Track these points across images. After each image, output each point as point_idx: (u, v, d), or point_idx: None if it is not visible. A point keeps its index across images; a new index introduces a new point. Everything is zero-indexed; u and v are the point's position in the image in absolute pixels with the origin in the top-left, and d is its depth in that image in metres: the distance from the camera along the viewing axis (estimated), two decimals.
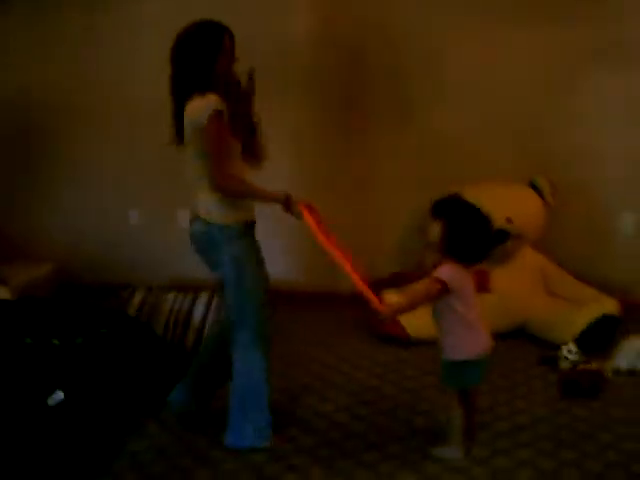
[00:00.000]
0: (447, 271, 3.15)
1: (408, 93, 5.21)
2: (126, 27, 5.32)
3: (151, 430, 3.61)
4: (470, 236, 3.15)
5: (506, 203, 4.70)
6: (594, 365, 4.14)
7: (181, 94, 3.20)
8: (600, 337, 4.49)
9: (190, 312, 4.47)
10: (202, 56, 3.14)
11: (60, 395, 3.51)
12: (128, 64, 5.35)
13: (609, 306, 4.58)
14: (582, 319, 4.49)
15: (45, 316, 4.10)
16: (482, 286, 4.41)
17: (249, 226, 3.32)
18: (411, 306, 3.24)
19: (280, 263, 5.27)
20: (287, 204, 3.20)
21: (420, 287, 3.23)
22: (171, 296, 4.69)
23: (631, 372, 4.21)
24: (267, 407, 3.34)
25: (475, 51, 5.08)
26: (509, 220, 4.66)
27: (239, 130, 3.23)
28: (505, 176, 4.95)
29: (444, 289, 3.13)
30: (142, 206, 5.59)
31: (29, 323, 3.95)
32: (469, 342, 3.23)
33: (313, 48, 5.22)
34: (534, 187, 4.91)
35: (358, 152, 5.32)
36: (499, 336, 4.28)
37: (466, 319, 3.20)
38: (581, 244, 5.13)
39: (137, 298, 4.69)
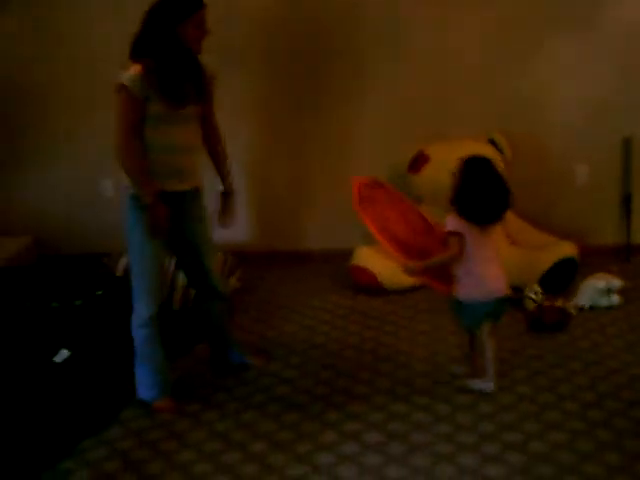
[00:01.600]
0: (454, 222, 3.45)
1: (372, 61, 5.42)
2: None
3: None
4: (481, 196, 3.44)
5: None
6: (558, 302, 4.46)
7: (132, 53, 3.36)
8: (561, 278, 4.81)
9: (174, 273, 4.64)
10: (163, 20, 3.28)
11: (65, 353, 3.72)
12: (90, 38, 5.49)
13: (568, 250, 4.91)
14: (544, 262, 4.80)
15: (41, 282, 4.29)
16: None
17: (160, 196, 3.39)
18: (441, 263, 3.55)
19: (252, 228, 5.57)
20: (149, 209, 3.33)
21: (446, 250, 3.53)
22: None
23: (592, 308, 4.55)
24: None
25: (434, 20, 5.32)
26: None
27: (178, 98, 3.36)
28: (466, 132, 5.22)
29: (462, 237, 3.43)
30: (114, 175, 5.67)
31: (26, 288, 4.14)
32: (474, 286, 3.55)
33: (280, 20, 5.41)
34: (493, 143, 5.20)
35: (327, 119, 5.51)
36: None
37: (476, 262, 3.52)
38: (538, 195, 5.41)
39: (122, 263, 4.86)
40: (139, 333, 3.56)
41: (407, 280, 4.95)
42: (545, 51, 5.29)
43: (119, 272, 4.79)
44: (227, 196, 3.79)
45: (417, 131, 5.31)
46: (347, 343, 4.28)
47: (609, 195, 5.46)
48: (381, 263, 4.92)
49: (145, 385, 3.63)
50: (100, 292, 4.13)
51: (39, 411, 3.40)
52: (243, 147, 5.43)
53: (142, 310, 3.52)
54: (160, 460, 3.18)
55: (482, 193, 3.45)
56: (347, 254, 5.13)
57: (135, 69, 3.27)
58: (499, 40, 5.31)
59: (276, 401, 3.64)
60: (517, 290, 4.67)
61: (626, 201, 5.40)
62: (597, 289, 4.59)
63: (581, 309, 4.53)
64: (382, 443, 3.22)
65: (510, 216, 5.28)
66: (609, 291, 4.59)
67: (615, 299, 4.58)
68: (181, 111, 3.38)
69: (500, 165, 5.11)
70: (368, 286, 4.99)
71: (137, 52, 3.35)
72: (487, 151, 5.13)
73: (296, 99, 5.55)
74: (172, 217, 3.43)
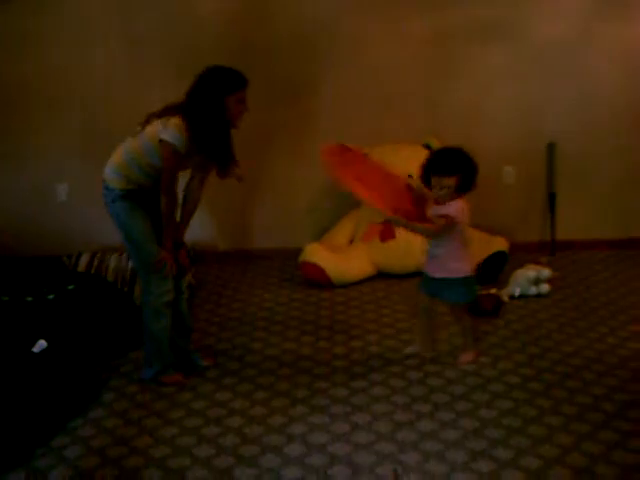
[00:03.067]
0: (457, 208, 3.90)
1: (314, 65, 5.80)
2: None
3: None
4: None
5: (406, 162, 5.38)
6: (492, 291, 4.88)
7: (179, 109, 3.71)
8: (493, 270, 5.24)
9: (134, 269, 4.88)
10: (214, 88, 3.65)
11: (43, 343, 3.94)
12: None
13: (499, 244, 5.35)
14: (478, 256, 5.21)
15: (10, 278, 4.50)
16: (389, 234, 4.90)
17: (131, 192, 3.79)
18: (423, 233, 3.96)
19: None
20: (159, 258, 3.78)
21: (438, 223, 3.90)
22: (115, 257, 5.12)
23: (523, 297, 4.98)
24: None
25: (379, 33, 5.74)
26: (410, 176, 5.33)
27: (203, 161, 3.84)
28: (404, 134, 5.66)
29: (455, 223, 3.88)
30: (69, 180, 5.88)
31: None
32: (470, 261, 4.04)
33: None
34: (428, 147, 5.60)
35: (273, 119, 5.81)
36: (405, 276, 5.22)
37: (465, 242, 3.97)
38: (470, 194, 5.82)
39: (83, 261, 5.10)
40: (157, 317, 3.88)
41: (353, 275, 5.36)
42: (476, 61, 5.75)
43: (81, 268, 5.03)
44: (179, 247, 3.98)
45: (361, 132, 5.65)
46: (304, 330, 4.63)
47: (535, 194, 5.93)
48: (329, 259, 5.26)
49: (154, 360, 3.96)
50: (72, 287, 4.36)
51: (16, 397, 3.62)
52: None
53: (160, 292, 3.84)
54: (145, 435, 3.45)
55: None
56: (296, 252, 5.49)
57: (179, 127, 3.62)
58: (435, 51, 5.75)
59: (246, 381, 3.95)
60: None
61: (551, 200, 5.87)
62: (528, 278, 5.01)
63: (512, 297, 4.96)
64: (348, 413, 3.57)
65: None
66: (538, 280, 5.03)
67: (544, 288, 5.02)
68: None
69: None
70: (317, 281, 5.32)
71: (184, 110, 3.67)
72: (422, 154, 5.56)
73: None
74: (152, 210, 3.83)
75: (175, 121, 3.61)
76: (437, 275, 4.00)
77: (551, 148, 5.81)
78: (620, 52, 5.73)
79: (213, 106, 3.63)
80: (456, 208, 3.88)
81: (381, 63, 5.75)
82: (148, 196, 3.83)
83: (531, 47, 5.71)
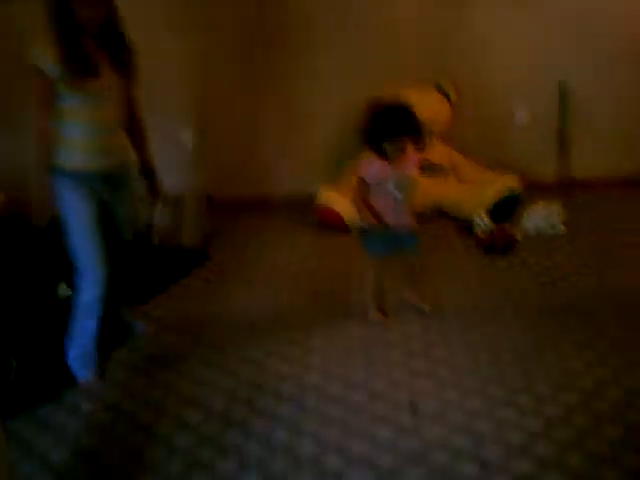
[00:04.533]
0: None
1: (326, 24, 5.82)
2: None
3: None
4: None
5: (419, 103, 5.41)
6: (507, 229, 4.94)
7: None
8: (506, 208, 5.29)
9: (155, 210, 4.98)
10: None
11: (67, 289, 4.07)
12: None
13: (512, 182, 5.38)
14: (491, 193, 5.27)
15: None
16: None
17: (78, 176, 3.29)
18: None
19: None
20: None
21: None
22: None
23: (537, 235, 5.03)
24: None
25: None
26: (422, 117, 5.38)
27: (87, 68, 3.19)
28: (415, 74, 5.66)
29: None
30: None
31: None
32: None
33: None
34: (439, 87, 5.63)
35: (281, 72, 5.87)
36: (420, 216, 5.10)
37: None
38: (482, 134, 5.89)
39: None
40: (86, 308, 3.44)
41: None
42: (483, 4, 5.74)
43: None
44: (148, 175, 3.65)
45: (370, 78, 5.64)
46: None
47: (547, 133, 5.95)
48: (345, 203, 5.31)
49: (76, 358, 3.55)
50: None
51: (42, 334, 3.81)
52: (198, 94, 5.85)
53: (91, 279, 3.38)
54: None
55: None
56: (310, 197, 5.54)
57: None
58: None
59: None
60: (470, 222, 5.15)
61: (561, 138, 5.89)
62: (542, 217, 5.06)
63: (525, 234, 5.01)
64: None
65: (456, 155, 5.75)
66: (553, 220, 5.07)
67: (559, 227, 5.06)
68: (93, 84, 3.21)
69: (446, 107, 5.61)
70: (334, 225, 5.37)
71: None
72: (433, 95, 5.61)
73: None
74: (97, 196, 3.36)
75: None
76: (401, 226, 3.90)
77: (562, 86, 5.81)
78: None
79: (61, 15, 3.11)
80: (415, 157, 3.85)
81: (382, 13, 5.77)
82: None
83: None
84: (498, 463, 2.75)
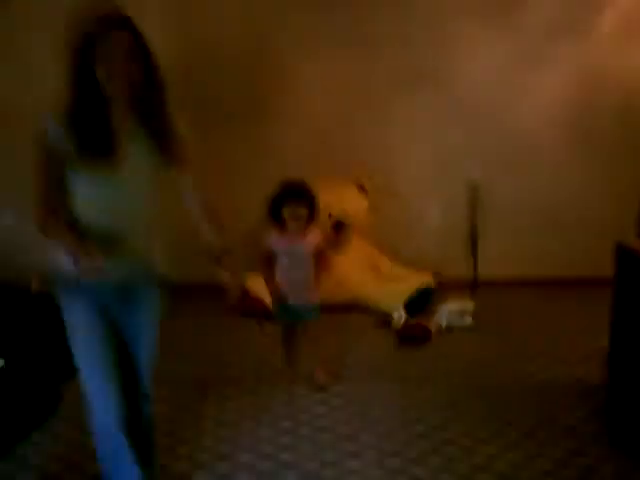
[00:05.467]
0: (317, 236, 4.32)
1: (258, 104, 6.10)
2: None
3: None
4: None
5: (340, 198, 5.77)
6: (422, 321, 5.23)
7: None
8: (420, 303, 5.60)
9: None
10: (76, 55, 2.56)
11: (1, 362, 4.13)
12: None
13: (426, 279, 5.73)
14: (407, 290, 5.59)
15: None
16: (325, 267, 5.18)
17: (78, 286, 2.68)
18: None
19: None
20: (74, 257, 2.48)
21: None
22: None
23: (448, 328, 5.33)
24: None
25: (316, 75, 6.12)
26: (344, 213, 5.72)
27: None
28: (336, 176, 5.93)
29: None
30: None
31: None
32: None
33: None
34: (361, 187, 5.97)
35: (216, 153, 5.86)
36: (338, 308, 5.49)
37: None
38: (397, 233, 6.22)
39: (34, 285, 5.21)
40: (103, 447, 2.90)
41: None
42: (399, 111, 6.16)
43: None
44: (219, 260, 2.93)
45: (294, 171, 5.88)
46: None
47: (459, 233, 6.34)
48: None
49: None
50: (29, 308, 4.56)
51: None
52: None
53: (102, 417, 2.81)
54: None
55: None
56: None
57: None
58: (364, 102, 6.17)
59: None
60: (386, 315, 5.43)
61: (472, 239, 6.28)
62: (453, 311, 5.39)
63: (439, 327, 5.31)
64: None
65: (374, 251, 6.07)
66: (463, 313, 5.40)
67: (468, 320, 5.39)
68: (109, 165, 2.58)
69: (364, 204, 5.93)
70: (258, 311, 5.50)
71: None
72: (355, 193, 5.93)
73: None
74: (107, 313, 2.81)
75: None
76: (299, 299, 4.30)
77: (474, 189, 6.23)
78: (537, 92, 6.19)
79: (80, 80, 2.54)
80: (317, 236, 4.29)
81: (317, 100, 6.14)
82: None
83: (453, 93, 6.13)
84: None
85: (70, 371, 4.29)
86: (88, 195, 2.59)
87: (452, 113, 6.18)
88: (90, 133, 2.52)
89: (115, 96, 2.55)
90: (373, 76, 6.12)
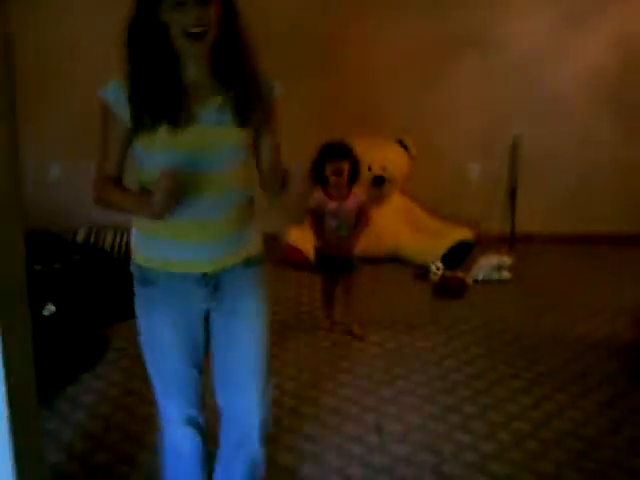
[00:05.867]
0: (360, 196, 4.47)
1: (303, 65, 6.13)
2: None
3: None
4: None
5: (381, 155, 5.86)
6: (459, 274, 5.35)
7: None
8: (458, 257, 5.71)
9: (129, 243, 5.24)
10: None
11: (52, 308, 4.32)
12: None
13: (465, 233, 5.83)
14: (445, 243, 5.70)
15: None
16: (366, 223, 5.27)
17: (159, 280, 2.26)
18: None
19: None
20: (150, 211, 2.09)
21: None
22: (110, 232, 5.49)
23: (485, 281, 5.45)
24: None
25: (359, 36, 6.19)
26: (383, 168, 5.81)
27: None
28: (380, 132, 6.05)
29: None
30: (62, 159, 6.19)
31: None
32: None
33: None
34: (401, 142, 6.05)
35: None
36: (377, 261, 5.62)
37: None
38: (439, 188, 6.32)
39: (80, 236, 5.46)
40: (168, 446, 2.50)
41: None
42: (447, 70, 6.24)
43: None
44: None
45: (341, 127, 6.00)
46: None
47: (499, 189, 6.44)
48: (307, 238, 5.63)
49: None
50: (77, 257, 4.74)
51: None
52: None
53: (170, 413, 2.43)
54: None
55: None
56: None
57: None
58: (413, 63, 6.26)
59: None
60: (424, 268, 5.55)
61: (512, 195, 6.38)
62: (490, 265, 5.50)
63: (476, 281, 5.43)
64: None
65: (413, 206, 6.17)
66: (500, 267, 5.51)
67: (505, 274, 5.50)
68: (184, 136, 2.13)
69: (405, 159, 6.02)
70: (299, 262, 5.58)
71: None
72: (396, 149, 6.02)
73: None
74: (196, 311, 2.33)
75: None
76: (342, 252, 4.45)
77: (515, 145, 6.31)
78: (580, 59, 6.25)
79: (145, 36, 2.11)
80: (360, 196, 4.42)
81: (368, 64, 6.22)
82: None
83: (501, 56, 6.20)
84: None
85: (116, 315, 4.58)
86: (156, 170, 2.07)
87: (497, 74, 6.26)
88: (156, 97, 2.09)
89: (189, 52, 2.11)
90: (424, 38, 6.20)
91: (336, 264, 4.48)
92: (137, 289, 2.32)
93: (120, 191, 2.21)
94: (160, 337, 2.30)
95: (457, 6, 6.10)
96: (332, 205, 4.36)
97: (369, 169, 5.73)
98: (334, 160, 4.30)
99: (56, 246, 5.02)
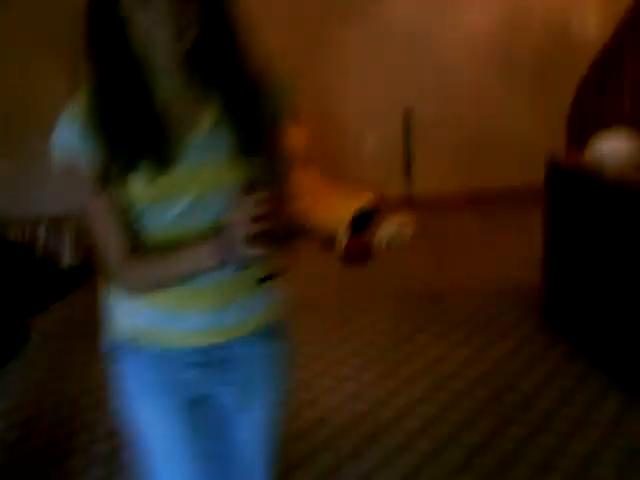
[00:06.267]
0: None
1: None
2: None
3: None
4: None
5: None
6: (364, 240, 5.48)
7: None
8: (362, 223, 5.83)
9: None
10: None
11: None
12: None
13: (366, 199, 5.92)
14: (347, 212, 5.79)
15: None
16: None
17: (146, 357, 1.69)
18: None
19: None
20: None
21: None
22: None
23: (389, 245, 5.58)
24: None
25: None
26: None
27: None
28: None
29: None
30: None
31: None
32: None
33: None
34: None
35: None
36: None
37: None
38: (337, 157, 6.45)
39: None
40: None
41: None
42: (335, 41, 6.34)
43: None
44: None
45: None
46: None
47: (395, 154, 6.59)
48: None
49: None
50: None
51: None
52: None
53: None
54: None
55: None
56: None
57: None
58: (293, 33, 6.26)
59: None
60: (330, 237, 5.66)
61: (407, 159, 6.54)
62: (392, 229, 5.64)
63: (381, 244, 5.55)
64: None
65: (316, 175, 6.27)
66: (402, 230, 5.66)
67: (407, 236, 5.65)
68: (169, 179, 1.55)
69: (301, 137, 6.10)
70: None
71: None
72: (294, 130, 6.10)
73: None
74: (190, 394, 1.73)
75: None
76: None
77: (407, 113, 6.47)
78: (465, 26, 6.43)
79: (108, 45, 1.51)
80: None
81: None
82: None
83: (385, 24, 6.33)
84: None
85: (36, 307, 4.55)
86: (146, 222, 1.58)
87: (385, 46, 6.42)
88: (125, 127, 1.50)
89: (162, 63, 1.52)
90: (306, 10, 6.28)
91: None
92: (117, 371, 1.73)
93: (158, 258, 1.59)
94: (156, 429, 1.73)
95: None
96: None
97: None
98: None
99: None
